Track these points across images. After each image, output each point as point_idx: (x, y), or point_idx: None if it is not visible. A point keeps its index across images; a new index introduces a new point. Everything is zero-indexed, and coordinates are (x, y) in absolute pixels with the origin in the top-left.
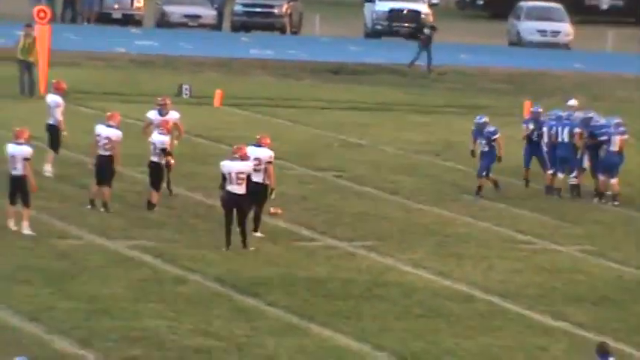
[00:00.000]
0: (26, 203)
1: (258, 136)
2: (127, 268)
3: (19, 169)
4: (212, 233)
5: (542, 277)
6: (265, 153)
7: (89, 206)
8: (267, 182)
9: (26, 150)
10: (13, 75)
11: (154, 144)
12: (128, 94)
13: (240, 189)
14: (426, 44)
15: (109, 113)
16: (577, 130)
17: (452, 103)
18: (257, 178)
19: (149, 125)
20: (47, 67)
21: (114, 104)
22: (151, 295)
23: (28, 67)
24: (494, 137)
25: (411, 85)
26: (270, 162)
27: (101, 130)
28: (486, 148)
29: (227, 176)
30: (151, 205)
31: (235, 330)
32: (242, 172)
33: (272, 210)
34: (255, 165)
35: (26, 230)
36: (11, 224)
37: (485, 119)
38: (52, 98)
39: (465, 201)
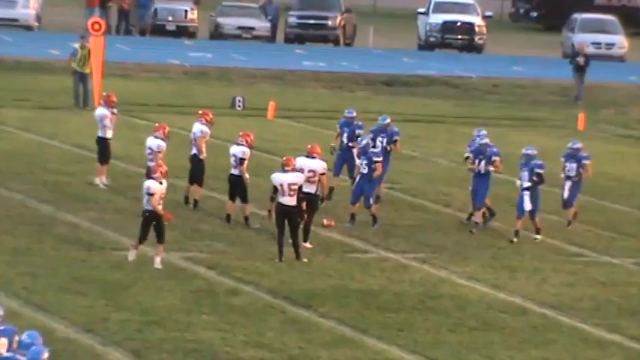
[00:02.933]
0: (160, 238)
1: (308, 146)
2: (181, 280)
3: (147, 204)
4: (265, 245)
5: (597, 289)
6: (319, 164)
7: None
8: (318, 192)
9: (148, 184)
10: (68, 86)
11: (233, 155)
12: (182, 106)
13: (291, 200)
14: (581, 73)
15: (157, 124)
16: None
17: (505, 116)
18: (309, 188)
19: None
20: (101, 79)
21: (167, 116)
22: (204, 306)
23: (82, 78)
24: (376, 160)
25: (463, 98)
26: (323, 173)
27: (147, 141)
28: (366, 170)
29: (278, 188)
30: (246, 220)
31: (288, 342)
32: (293, 184)
33: (325, 222)
34: (310, 177)
35: (157, 265)
36: (131, 255)
37: (363, 131)
38: (101, 111)
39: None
